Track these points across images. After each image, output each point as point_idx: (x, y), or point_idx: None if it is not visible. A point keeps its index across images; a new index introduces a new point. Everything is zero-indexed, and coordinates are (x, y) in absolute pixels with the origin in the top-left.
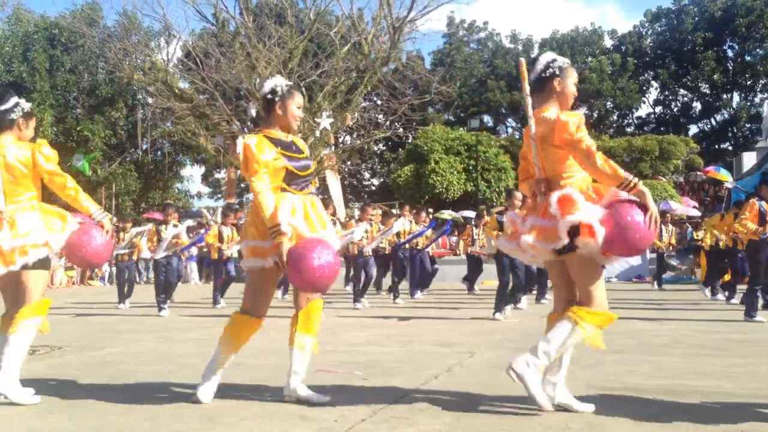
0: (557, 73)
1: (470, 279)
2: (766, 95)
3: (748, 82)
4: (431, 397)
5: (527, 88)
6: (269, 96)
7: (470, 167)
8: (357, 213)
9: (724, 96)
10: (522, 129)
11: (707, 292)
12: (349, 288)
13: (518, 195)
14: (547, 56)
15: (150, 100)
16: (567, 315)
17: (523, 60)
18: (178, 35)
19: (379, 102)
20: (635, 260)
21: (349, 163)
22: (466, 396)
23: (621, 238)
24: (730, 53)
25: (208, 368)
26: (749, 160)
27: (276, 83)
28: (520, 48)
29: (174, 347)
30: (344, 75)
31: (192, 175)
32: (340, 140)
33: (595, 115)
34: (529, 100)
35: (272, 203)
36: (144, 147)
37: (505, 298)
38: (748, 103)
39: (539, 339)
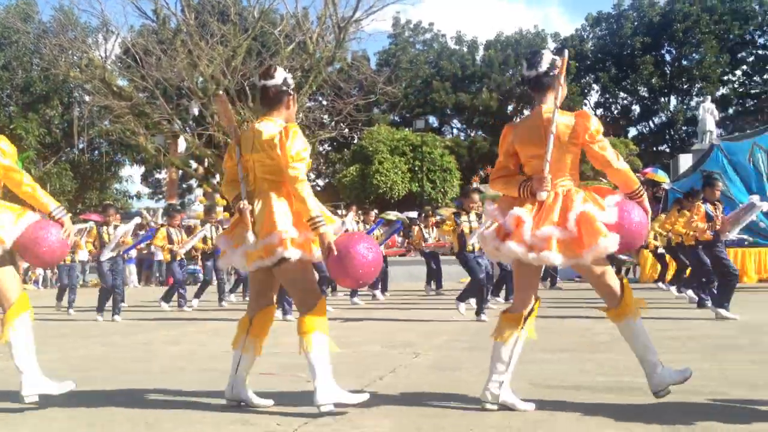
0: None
1: (429, 278)
2: (701, 99)
3: (685, 86)
4: (375, 398)
5: (562, 79)
6: (283, 87)
7: (415, 168)
8: None
9: (662, 99)
10: (467, 129)
11: (674, 290)
12: None
13: (475, 197)
14: (551, 54)
15: (87, 98)
16: (628, 318)
17: (566, 51)
18: (116, 31)
19: (324, 102)
20: None
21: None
22: (410, 396)
23: (630, 236)
24: (667, 57)
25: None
26: (685, 161)
27: (287, 75)
28: (465, 49)
29: (113, 352)
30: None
31: (131, 175)
32: None
33: None
34: (561, 92)
35: (312, 194)
36: (80, 146)
37: (477, 294)
38: (685, 107)
39: (638, 355)
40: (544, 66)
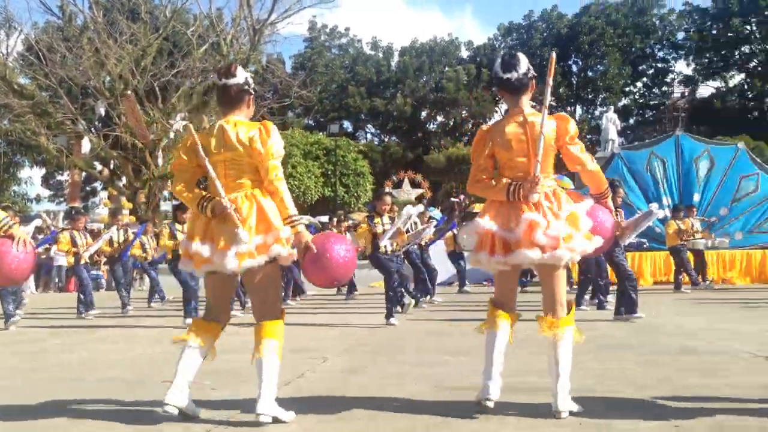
0: (535, 75)
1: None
2: (605, 108)
3: (590, 96)
4: (282, 404)
5: (551, 81)
6: (245, 86)
7: (329, 172)
8: None
9: (569, 108)
10: (381, 134)
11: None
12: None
13: (387, 199)
14: (525, 58)
15: None
16: (562, 333)
17: (554, 52)
18: (19, 28)
19: None
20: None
21: None
22: (316, 401)
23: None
24: (574, 68)
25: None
26: None
27: (247, 74)
28: (381, 55)
29: (5, 361)
30: (201, 75)
31: (31, 176)
32: None
33: (452, 123)
34: (549, 91)
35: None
36: None
37: (396, 300)
38: (589, 116)
39: (559, 372)
40: (523, 68)
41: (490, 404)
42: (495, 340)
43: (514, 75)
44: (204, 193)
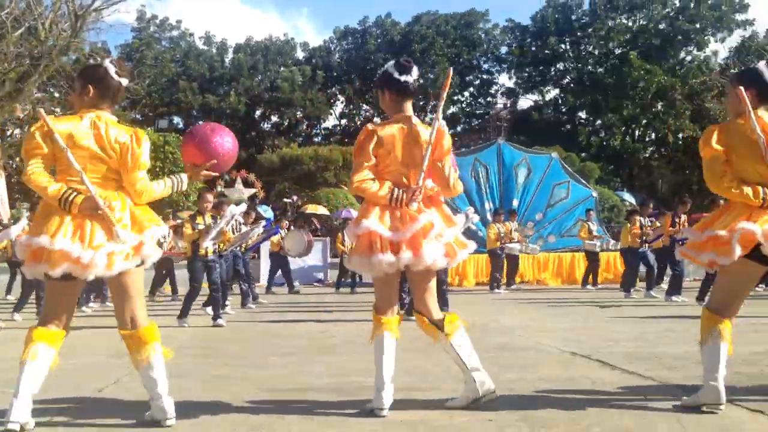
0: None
1: (159, 284)
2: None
3: (421, 103)
4: (91, 411)
5: (444, 95)
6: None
7: (157, 168)
8: (26, 213)
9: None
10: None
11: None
12: (11, 297)
13: (209, 197)
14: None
15: None
16: (456, 325)
17: (450, 69)
18: None
19: (56, 94)
20: (315, 261)
21: (18, 159)
22: (133, 407)
23: None
24: None
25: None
26: None
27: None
28: (214, 51)
29: None
30: (15, 61)
31: None
32: (8, 133)
33: (286, 123)
34: (442, 104)
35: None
36: None
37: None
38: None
39: (474, 356)
40: (416, 74)
41: (384, 413)
42: (382, 348)
43: (410, 78)
44: (65, 186)
